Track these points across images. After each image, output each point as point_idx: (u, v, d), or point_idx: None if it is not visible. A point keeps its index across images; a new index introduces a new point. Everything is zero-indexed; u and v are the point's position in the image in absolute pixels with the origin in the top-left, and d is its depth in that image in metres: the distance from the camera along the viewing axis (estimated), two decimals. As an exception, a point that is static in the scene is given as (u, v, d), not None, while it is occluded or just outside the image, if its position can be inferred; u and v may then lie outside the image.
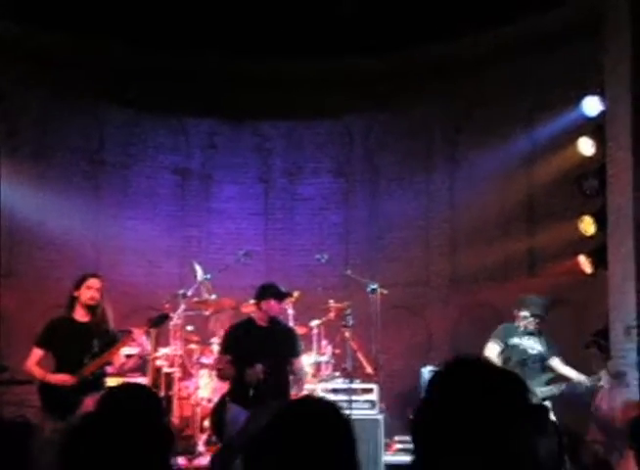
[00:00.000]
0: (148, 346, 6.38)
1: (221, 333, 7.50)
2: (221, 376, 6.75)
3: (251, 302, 7.45)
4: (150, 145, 11.11)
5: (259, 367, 6.01)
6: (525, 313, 6.86)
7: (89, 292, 6.04)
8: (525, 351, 6.79)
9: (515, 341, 6.82)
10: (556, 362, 6.87)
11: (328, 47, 9.95)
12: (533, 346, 6.83)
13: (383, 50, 10.22)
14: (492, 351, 6.75)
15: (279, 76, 10.80)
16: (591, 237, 7.99)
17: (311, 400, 2.30)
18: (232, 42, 10.05)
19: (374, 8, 9.46)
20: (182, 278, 9.57)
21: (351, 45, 9.96)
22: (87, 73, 10.23)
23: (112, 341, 6.07)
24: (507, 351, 6.79)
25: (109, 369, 6.28)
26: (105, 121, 10.83)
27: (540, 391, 6.57)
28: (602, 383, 6.68)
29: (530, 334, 6.87)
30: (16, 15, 9.28)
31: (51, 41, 9.91)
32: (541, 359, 6.83)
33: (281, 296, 6.44)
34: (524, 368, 6.60)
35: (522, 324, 6.85)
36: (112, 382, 7.14)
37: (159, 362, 7.79)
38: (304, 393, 7.02)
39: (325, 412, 2.07)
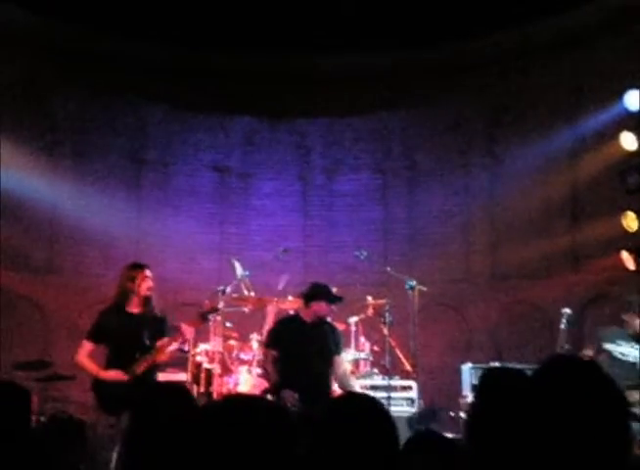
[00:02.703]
0: (191, 340, 6.36)
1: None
2: (265, 377, 6.77)
3: (290, 298, 7.47)
4: (190, 143, 11.20)
5: (293, 396, 6.02)
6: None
7: (147, 282, 5.99)
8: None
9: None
10: None
11: (365, 43, 9.93)
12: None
13: (420, 45, 10.15)
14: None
15: (317, 74, 10.79)
16: (634, 233, 7.85)
17: (355, 397, 2.32)
18: (270, 40, 10.06)
19: (410, 3, 9.39)
20: (221, 275, 9.63)
21: (389, 41, 9.92)
22: (127, 72, 10.34)
23: (162, 331, 5.99)
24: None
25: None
26: (145, 120, 10.94)
27: None
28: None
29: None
30: (56, 14, 9.42)
31: (92, 40, 10.04)
32: None
33: (334, 299, 6.41)
34: None
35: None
36: (160, 377, 7.22)
37: (199, 358, 7.83)
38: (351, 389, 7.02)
39: (368, 409, 2.10)
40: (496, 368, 4.48)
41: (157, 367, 6.12)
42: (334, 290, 7.56)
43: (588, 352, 6.46)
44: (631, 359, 6.40)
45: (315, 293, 6.38)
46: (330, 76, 10.77)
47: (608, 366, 6.13)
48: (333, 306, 6.62)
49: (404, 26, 9.67)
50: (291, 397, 6.01)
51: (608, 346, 6.45)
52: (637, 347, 6.41)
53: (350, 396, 2.46)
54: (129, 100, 10.66)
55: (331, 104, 10.97)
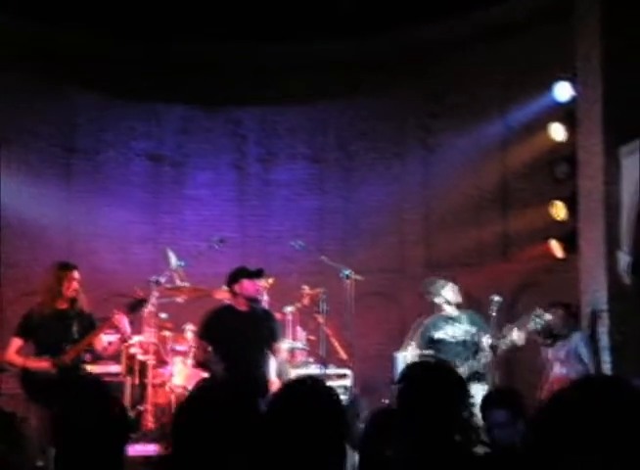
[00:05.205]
0: (128, 329, 6.38)
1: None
2: (203, 366, 6.75)
3: (224, 288, 7.44)
4: (122, 131, 11.00)
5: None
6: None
7: (73, 284, 6.13)
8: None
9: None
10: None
11: (300, 32, 9.91)
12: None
13: (355, 34, 10.19)
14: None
15: (252, 62, 10.74)
16: (562, 222, 8.07)
17: (309, 382, 2.34)
18: (204, 28, 9.96)
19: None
20: (155, 265, 9.50)
21: (323, 29, 9.92)
22: (58, 59, 10.09)
23: (90, 326, 6.14)
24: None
25: (88, 356, 6.30)
26: (76, 107, 10.70)
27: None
28: (514, 339, 6.41)
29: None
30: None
31: (21, 26, 9.76)
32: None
33: (251, 274, 6.41)
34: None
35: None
36: (93, 369, 7.15)
37: (133, 350, 7.74)
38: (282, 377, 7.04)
39: (322, 393, 2.13)
40: (417, 362, 4.64)
41: (83, 359, 6.19)
42: (270, 279, 7.60)
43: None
44: (462, 338, 6.71)
45: (232, 276, 6.43)
46: (265, 65, 10.72)
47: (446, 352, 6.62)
48: (261, 289, 6.63)
49: (340, 16, 9.69)
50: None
51: (437, 334, 6.79)
52: (460, 325, 6.75)
53: (295, 383, 2.46)
54: (59, 87, 10.41)
55: (266, 92, 10.92)
